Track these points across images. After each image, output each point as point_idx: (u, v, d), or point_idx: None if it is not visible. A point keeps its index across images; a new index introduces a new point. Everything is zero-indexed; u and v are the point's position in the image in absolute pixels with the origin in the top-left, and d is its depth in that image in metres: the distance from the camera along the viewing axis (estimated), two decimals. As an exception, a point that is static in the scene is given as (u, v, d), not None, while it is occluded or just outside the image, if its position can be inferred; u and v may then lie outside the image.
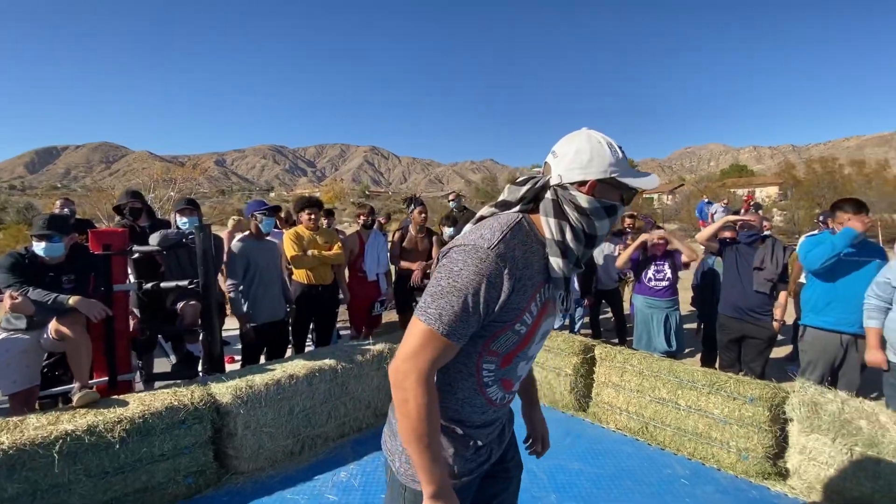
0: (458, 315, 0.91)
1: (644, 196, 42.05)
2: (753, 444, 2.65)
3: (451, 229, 4.36)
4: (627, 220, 5.30)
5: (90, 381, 2.62)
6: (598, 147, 1.00)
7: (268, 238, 3.63)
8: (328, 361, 2.98)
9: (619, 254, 4.87)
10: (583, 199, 0.99)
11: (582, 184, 1.00)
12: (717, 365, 3.80)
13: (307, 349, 4.02)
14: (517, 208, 1.05)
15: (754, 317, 3.31)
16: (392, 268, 4.56)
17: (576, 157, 1.00)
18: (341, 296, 4.15)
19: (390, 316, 5.14)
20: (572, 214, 0.99)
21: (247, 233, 3.61)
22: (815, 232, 3.36)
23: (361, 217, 4.25)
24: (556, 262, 0.99)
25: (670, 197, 40.01)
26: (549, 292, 1.02)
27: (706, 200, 10.00)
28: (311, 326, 4.03)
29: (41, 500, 2.03)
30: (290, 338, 3.92)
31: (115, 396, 2.44)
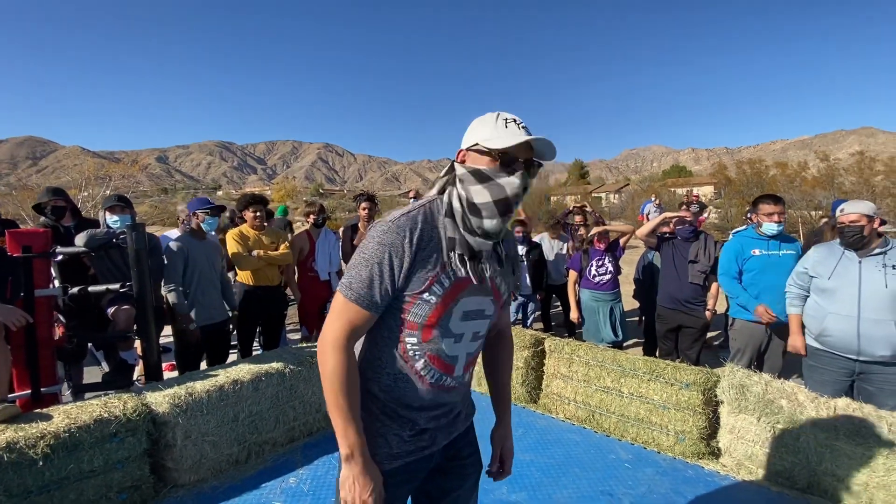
0: (363, 282, 1.02)
1: (592, 195, 43.91)
2: (689, 427, 2.83)
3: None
4: (578, 218, 5.50)
5: (9, 396, 2.40)
6: (481, 121, 1.09)
7: (209, 236, 3.46)
8: (275, 364, 2.88)
9: (568, 252, 5.05)
10: (458, 169, 1.08)
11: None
12: (657, 354, 4.03)
13: (255, 353, 3.88)
14: (435, 191, 1.14)
15: (689, 307, 3.54)
16: (344, 266, 4.48)
17: (465, 135, 1.11)
18: (291, 297, 4.03)
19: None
20: (457, 186, 1.08)
21: (183, 230, 3.42)
22: (743, 228, 3.63)
23: (311, 216, 4.14)
24: (454, 232, 1.06)
25: (616, 196, 41.90)
26: (467, 267, 1.07)
27: (652, 199, 10.56)
28: (258, 330, 3.87)
29: (-54, 530, 1.84)
30: (234, 342, 3.77)
31: (38, 410, 2.24)
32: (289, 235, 4.28)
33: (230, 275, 4.02)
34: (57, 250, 2.73)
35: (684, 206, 4.65)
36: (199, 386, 2.55)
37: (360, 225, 4.26)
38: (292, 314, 4.80)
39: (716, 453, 2.82)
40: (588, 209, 5.77)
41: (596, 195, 45.15)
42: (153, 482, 2.39)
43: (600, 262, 4.00)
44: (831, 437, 2.34)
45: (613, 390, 3.12)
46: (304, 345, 3.38)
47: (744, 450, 2.67)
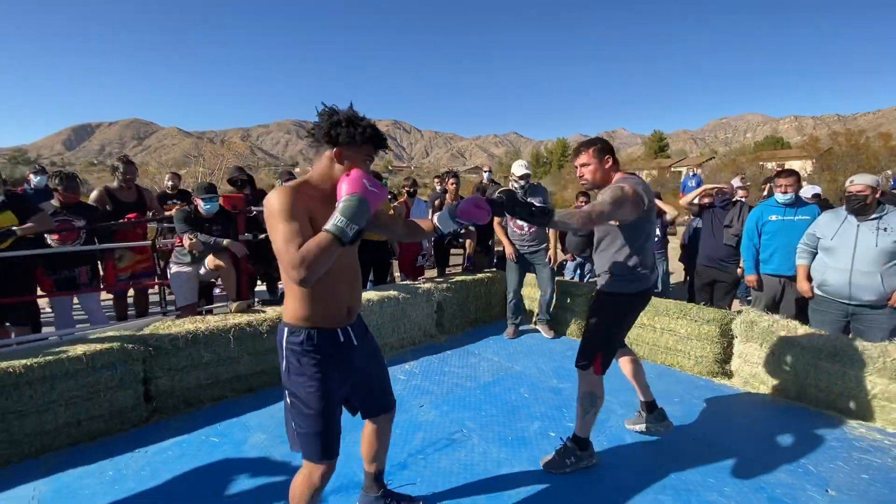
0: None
1: (671, 170, 41.58)
2: (706, 353, 3.60)
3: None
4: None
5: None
6: None
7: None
8: (392, 292, 4.06)
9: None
10: None
11: None
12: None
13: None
14: None
15: (722, 265, 4.21)
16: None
17: None
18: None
19: (431, 272, 6.21)
20: None
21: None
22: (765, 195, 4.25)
23: (406, 188, 5.27)
24: None
25: (698, 170, 39.37)
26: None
27: (692, 173, 11.01)
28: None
29: (223, 367, 3.18)
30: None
31: (256, 307, 3.58)
32: (391, 202, 5.43)
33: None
34: (253, 209, 4.05)
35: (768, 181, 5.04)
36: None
37: (447, 197, 5.30)
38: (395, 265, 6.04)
39: (728, 374, 3.57)
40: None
41: (675, 169, 42.69)
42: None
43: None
44: (815, 358, 3.04)
45: (648, 326, 3.94)
46: (408, 283, 4.54)
47: (749, 370, 3.41)
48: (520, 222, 4.19)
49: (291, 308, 1.53)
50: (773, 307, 3.79)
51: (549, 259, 4.34)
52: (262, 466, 2.37)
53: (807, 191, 5.48)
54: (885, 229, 3.00)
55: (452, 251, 6.23)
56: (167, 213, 4.29)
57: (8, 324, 3.35)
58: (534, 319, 4.66)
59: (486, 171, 6.83)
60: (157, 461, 2.42)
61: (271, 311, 3.47)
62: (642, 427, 2.67)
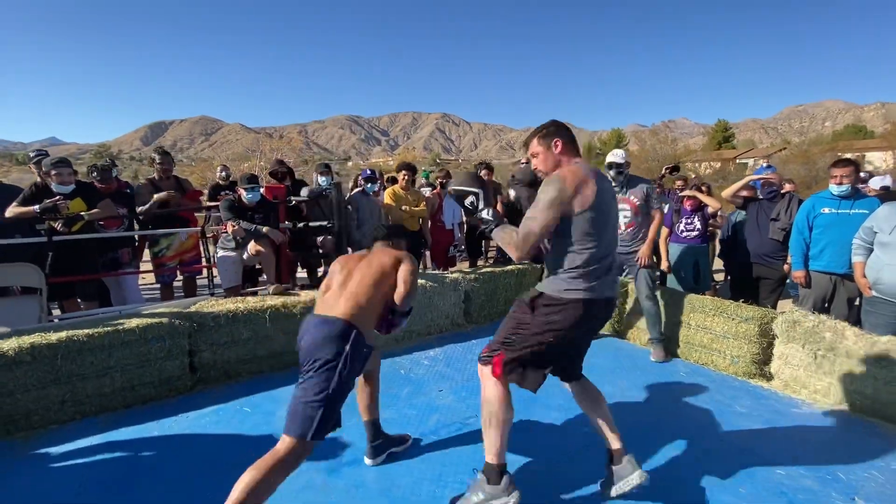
0: None
1: (737, 162, 38.78)
2: (743, 352, 3.42)
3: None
4: (679, 182, 5.87)
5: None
6: None
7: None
8: (420, 281, 4.16)
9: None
10: None
11: None
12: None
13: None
14: None
15: (767, 260, 3.95)
16: (464, 220, 5.64)
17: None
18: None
19: (463, 265, 6.28)
20: None
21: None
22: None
23: (440, 180, 5.36)
24: None
25: (764, 161, 36.54)
26: None
27: (764, 165, 10.01)
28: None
29: (260, 344, 3.42)
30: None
31: (293, 291, 3.81)
32: (427, 194, 5.54)
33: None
34: (291, 199, 4.30)
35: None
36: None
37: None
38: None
39: (766, 376, 3.37)
40: (691, 177, 6.07)
41: (741, 161, 39.79)
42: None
43: (689, 221, 4.52)
44: (863, 363, 2.81)
45: (683, 323, 3.79)
46: (438, 272, 4.63)
47: (790, 373, 3.21)
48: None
49: None
50: (823, 307, 3.53)
51: (640, 259, 3.63)
52: (287, 436, 2.56)
53: (875, 182, 5.01)
54: (951, 224, 2.72)
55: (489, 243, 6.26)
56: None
57: (79, 299, 3.79)
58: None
59: (523, 163, 6.79)
60: (197, 426, 2.67)
61: (305, 295, 3.68)
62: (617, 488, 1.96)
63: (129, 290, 4.29)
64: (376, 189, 5.04)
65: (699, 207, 4.47)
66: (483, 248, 6.59)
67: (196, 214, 4.71)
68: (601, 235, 1.84)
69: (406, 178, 4.98)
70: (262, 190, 3.94)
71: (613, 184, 3.58)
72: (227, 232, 3.88)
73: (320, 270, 5.13)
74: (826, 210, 3.40)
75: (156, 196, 4.21)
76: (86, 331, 2.71)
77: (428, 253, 5.62)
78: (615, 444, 1.98)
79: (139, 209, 4.17)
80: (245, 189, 3.79)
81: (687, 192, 4.53)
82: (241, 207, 3.87)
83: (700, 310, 3.68)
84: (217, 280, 4.21)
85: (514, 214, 4.95)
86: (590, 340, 2.10)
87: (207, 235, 4.37)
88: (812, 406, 2.97)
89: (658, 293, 3.80)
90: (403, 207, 4.94)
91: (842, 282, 3.40)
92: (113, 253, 4.16)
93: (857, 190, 3.40)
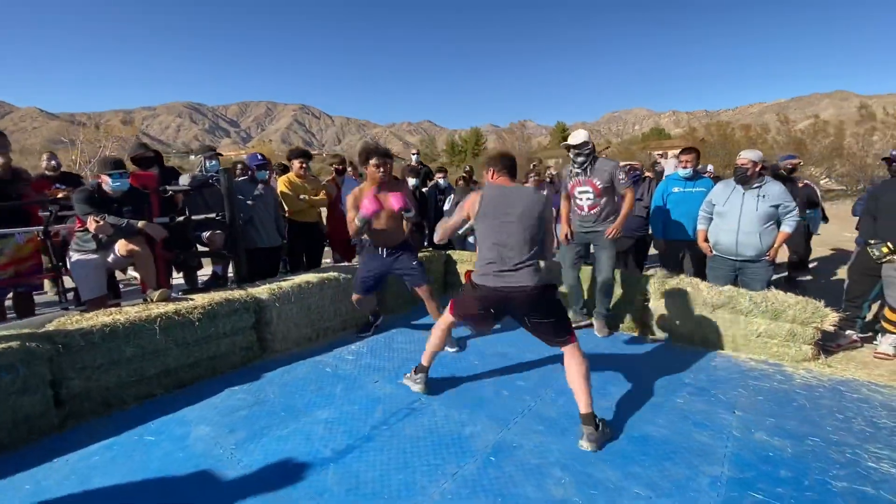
0: None
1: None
2: (623, 311, 4.02)
3: (416, 180, 5.36)
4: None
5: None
6: None
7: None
8: (332, 274, 3.94)
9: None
10: None
11: None
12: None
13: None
14: None
15: (635, 234, 4.70)
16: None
17: None
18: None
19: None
20: None
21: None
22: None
23: (334, 167, 5.12)
24: None
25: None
26: None
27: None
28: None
29: (148, 361, 2.87)
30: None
31: (183, 295, 3.26)
32: (324, 182, 5.19)
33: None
34: (168, 188, 3.65)
35: (652, 165, 5.72)
36: (285, 284, 3.60)
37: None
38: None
39: (643, 329, 4.02)
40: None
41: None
42: (259, 347, 3.46)
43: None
44: (713, 307, 3.55)
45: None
46: (347, 263, 4.42)
47: (661, 323, 3.88)
48: (581, 200, 3.75)
49: None
50: (677, 267, 4.34)
51: (608, 234, 3.64)
52: (212, 458, 2.20)
53: (702, 168, 6.30)
54: (764, 196, 3.57)
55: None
56: (57, 196, 3.70)
57: None
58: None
59: (414, 154, 6.85)
60: (84, 468, 2.13)
61: (200, 299, 3.19)
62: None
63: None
64: (266, 177, 4.58)
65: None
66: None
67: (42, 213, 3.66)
68: (489, 239, 2.41)
69: (302, 165, 4.62)
70: (127, 179, 3.26)
71: (575, 167, 3.73)
72: (84, 230, 3.14)
73: (201, 272, 4.48)
74: (676, 189, 4.18)
75: None
76: None
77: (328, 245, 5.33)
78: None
79: None
80: (110, 176, 3.09)
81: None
82: (104, 199, 3.16)
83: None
84: (71, 294, 3.38)
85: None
86: (530, 318, 2.45)
87: (52, 237, 3.45)
88: (682, 348, 3.64)
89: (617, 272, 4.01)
90: (302, 197, 4.58)
91: (690, 246, 4.23)
92: None
93: (697, 172, 4.24)
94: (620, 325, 4.06)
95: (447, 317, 2.69)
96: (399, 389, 2.89)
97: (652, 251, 4.92)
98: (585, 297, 4.09)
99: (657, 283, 3.87)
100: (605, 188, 3.67)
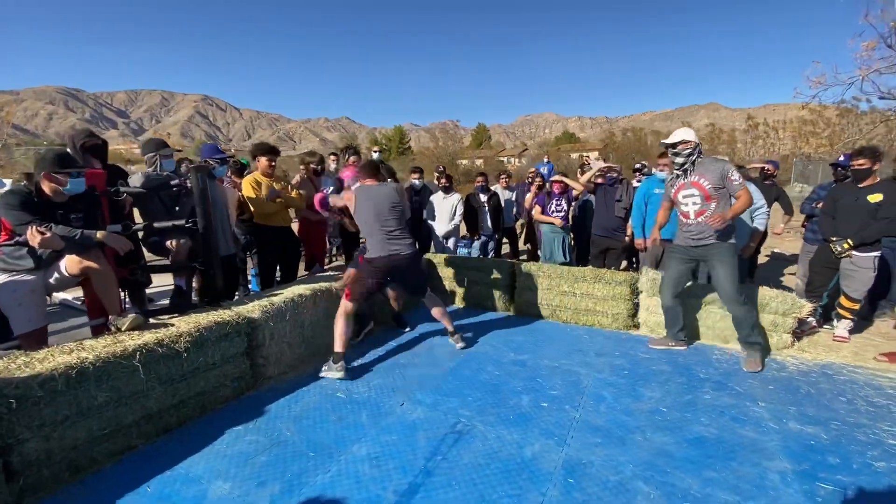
0: None
1: (497, 158, 46.43)
2: (621, 310, 4.13)
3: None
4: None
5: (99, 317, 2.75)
6: None
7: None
8: (324, 284, 3.54)
9: (516, 200, 6.14)
10: None
11: None
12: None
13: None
14: None
15: (614, 234, 4.85)
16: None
17: None
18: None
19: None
20: None
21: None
22: (636, 181, 5.10)
23: (311, 165, 4.62)
24: None
25: (518, 160, 44.90)
26: None
27: (545, 161, 12.92)
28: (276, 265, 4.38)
29: (125, 407, 2.31)
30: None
31: (159, 320, 2.69)
32: (294, 182, 4.65)
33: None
34: (122, 189, 3.00)
35: (581, 167, 5.98)
36: (276, 299, 3.15)
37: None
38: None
39: (637, 325, 4.17)
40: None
41: (500, 158, 47.69)
42: (252, 375, 2.98)
43: (558, 203, 5.15)
44: (704, 303, 3.76)
45: (569, 293, 4.31)
46: (329, 274, 4.01)
47: (654, 320, 4.04)
48: (687, 205, 3.31)
49: None
50: (656, 265, 4.55)
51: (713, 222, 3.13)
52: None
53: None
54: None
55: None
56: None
57: None
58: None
59: (375, 152, 6.50)
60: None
61: (184, 324, 2.66)
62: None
63: None
64: (226, 173, 4.02)
65: (565, 190, 5.14)
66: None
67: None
68: (368, 225, 3.22)
69: (271, 163, 4.11)
70: (83, 178, 2.62)
71: (674, 170, 3.38)
72: (14, 244, 2.46)
73: (150, 290, 3.78)
74: (657, 191, 4.37)
75: None
76: None
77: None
78: (449, 327, 3.61)
79: None
80: (61, 175, 2.43)
81: (556, 177, 5.14)
82: (46, 203, 2.50)
83: (582, 279, 4.24)
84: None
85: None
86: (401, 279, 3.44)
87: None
88: (681, 342, 3.81)
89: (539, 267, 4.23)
90: (275, 188, 4.06)
91: (669, 244, 4.44)
92: None
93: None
94: (614, 323, 4.16)
95: (345, 304, 3.19)
96: (432, 411, 2.65)
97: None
98: (683, 321, 3.63)
99: (649, 279, 4.01)
100: (715, 190, 3.15)
